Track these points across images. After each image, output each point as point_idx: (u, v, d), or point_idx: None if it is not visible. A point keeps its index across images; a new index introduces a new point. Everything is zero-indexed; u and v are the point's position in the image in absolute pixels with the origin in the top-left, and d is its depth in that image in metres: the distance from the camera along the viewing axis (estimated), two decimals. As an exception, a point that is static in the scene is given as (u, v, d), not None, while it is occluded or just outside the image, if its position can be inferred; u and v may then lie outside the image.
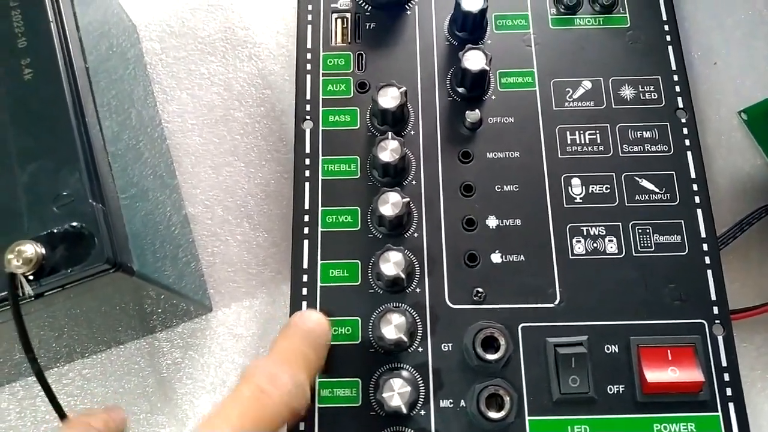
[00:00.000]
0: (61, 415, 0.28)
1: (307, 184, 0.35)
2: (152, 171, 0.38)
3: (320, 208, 0.34)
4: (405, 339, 0.30)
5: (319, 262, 0.33)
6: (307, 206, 0.34)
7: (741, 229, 0.38)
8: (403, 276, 0.31)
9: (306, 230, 0.34)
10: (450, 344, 0.32)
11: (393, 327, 0.30)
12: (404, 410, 0.29)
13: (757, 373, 0.37)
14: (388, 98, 0.33)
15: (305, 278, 0.33)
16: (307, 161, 0.35)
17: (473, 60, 0.34)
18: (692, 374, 0.30)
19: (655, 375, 0.30)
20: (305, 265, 0.33)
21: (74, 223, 0.26)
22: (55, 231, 0.26)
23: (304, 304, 0.33)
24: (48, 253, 0.26)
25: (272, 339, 0.38)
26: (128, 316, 0.37)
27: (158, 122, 0.43)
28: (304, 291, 0.33)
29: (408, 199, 0.32)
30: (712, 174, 0.40)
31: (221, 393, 0.38)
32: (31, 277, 0.26)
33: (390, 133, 0.33)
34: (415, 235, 0.34)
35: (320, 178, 0.35)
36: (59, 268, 0.26)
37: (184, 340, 0.39)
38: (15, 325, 0.26)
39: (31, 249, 0.26)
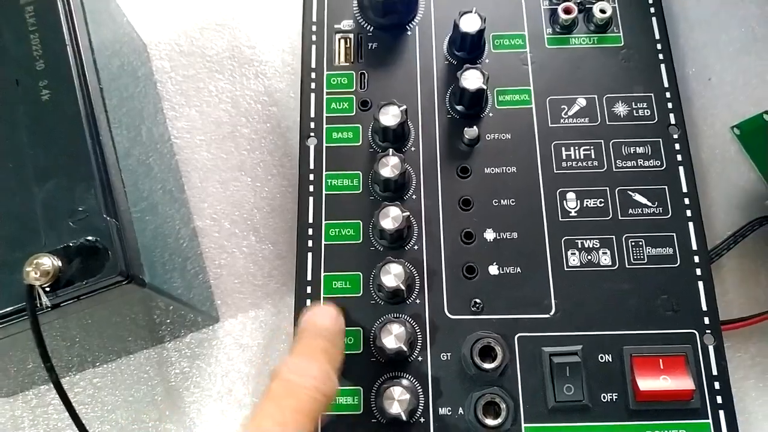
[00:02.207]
0: (79, 424, 0.29)
1: (311, 199, 0.36)
2: (162, 186, 0.39)
3: (324, 222, 0.35)
4: (405, 348, 0.31)
5: (323, 273, 0.35)
6: (311, 220, 0.36)
7: (735, 241, 0.39)
8: (403, 287, 0.32)
9: (310, 243, 0.35)
10: (449, 353, 0.33)
11: (393, 337, 0.31)
12: (404, 417, 0.30)
13: (750, 382, 0.38)
14: (389, 116, 0.34)
15: (309, 290, 0.34)
16: (311, 177, 0.36)
17: (471, 79, 0.35)
18: (683, 382, 0.31)
19: (647, 383, 0.31)
20: (309, 277, 0.35)
21: (89, 238, 0.28)
22: (71, 245, 0.28)
23: (308, 314, 0.34)
24: (64, 265, 0.27)
25: (280, 348, 0.40)
26: (138, 327, 0.38)
27: (167, 138, 0.44)
28: (308, 302, 0.34)
29: (408, 213, 0.33)
30: (706, 187, 0.41)
31: (228, 401, 0.39)
32: (47, 289, 0.27)
33: (391, 150, 0.34)
34: (415, 247, 0.35)
35: (324, 192, 0.36)
36: (75, 280, 0.27)
37: (192, 350, 0.40)
38: (33, 335, 0.27)
39: (49, 262, 0.27)
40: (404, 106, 0.35)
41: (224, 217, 0.43)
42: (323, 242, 0.35)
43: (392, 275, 0.32)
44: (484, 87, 0.35)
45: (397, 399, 0.30)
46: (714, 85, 0.44)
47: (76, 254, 0.28)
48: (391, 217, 0.33)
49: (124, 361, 0.40)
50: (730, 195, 0.42)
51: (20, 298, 0.27)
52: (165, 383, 0.40)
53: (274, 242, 0.42)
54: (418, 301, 0.34)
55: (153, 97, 0.45)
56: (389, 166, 0.34)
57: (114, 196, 0.29)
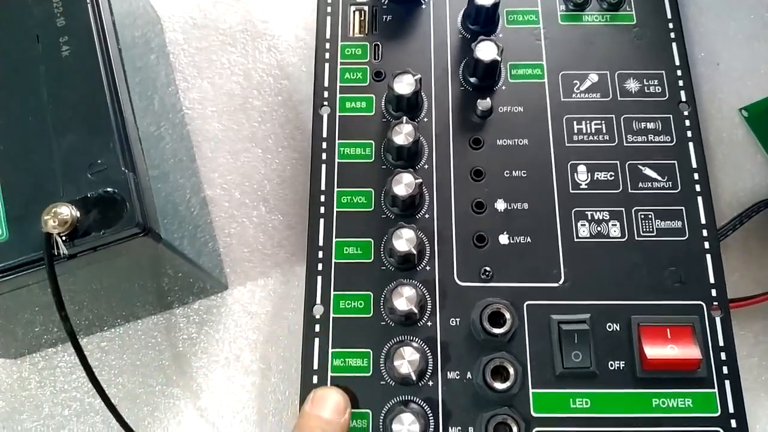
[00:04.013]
0: (91, 375, 0.30)
1: (323, 167, 0.36)
2: (173, 155, 0.40)
3: (336, 189, 0.36)
4: (416, 311, 0.31)
5: (334, 239, 0.35)
6: (323, 187, 0.36)
7: (740, 222, 0.40)
8: (414, 252, 0.32)
9: (322, 210, 0.35)
10: (458, 319, 0.33)
11: (404, 299, 0.32)
12: (414, 377, 0.31)
13: (754, 360, 0.38)
14: (404, 84, 0.35)
15: (320, 255, 0.35)
16: (324, 145, 0.37)
17: (485, 50, 0.35)
18: (690, 351, 0.31)
19: (654, 351, 0.31)
20: (321, 243, 0.35)
21: (107, 189, 0.28)
22: (89, 196, 0.28)
23: (319, 283, 0.34)
24: (82, 216, 0.28)
25: (288, 317, 0.40)
26: (147, 292, 0.39)
27: (179, 109, 0.45)
28: (319, 267, 0.34)
29: (420, 180, 0.33)
30: (712, 169, 0.42)
31: (235, 368, 0.39)
32: (65, 239, 0.27)
33: (405, 117, 0.34)
34: (426, 216, 0.35)
35: (336, 160, 0.36)
36: (92, 231, 0.28)
37: (200, 316, 0.41)
38: (49, 284, 0.27)
39: (67, 211, 0.27)
40: (419, 75, 0.35)
41: (234, 187, 0.43)
42: (335, 209, 0.35)
43: (404, 240, 0.33)
44: (498, 59, 0.35)
45: (408, 359, 0.31)
46: (722, 70, 0.44)
47: (93, 205, 0.28)
48: (404, 184, 0.33)
49: (132, 326, 0.41)
50: (736, 177, 0.42)
51: (38, 248, 0.28)
52: (172, 349, 0.40)
53: (284, 213, 0.42)
54: (428, 268, 0.34)
55: (166, 68, 0.45)
56: (403, 134, 0.34)
57: (132, 150, 0.30)
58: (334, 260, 0.35)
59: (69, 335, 0.28)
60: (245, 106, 0.45)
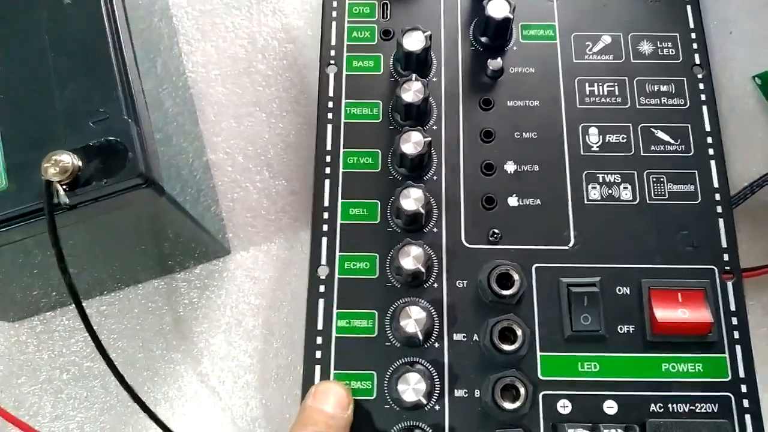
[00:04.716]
0: (90, 330, 0.29)
1: (329, 126, 0.35)
2: (175, 118, 0.39)
3: (342, 150, 0.35)
4: (422, 270, 0.31)
5: (340, 200, 0.34)
6: (329, 148, 0.35)
7: (751, 191, 0.39)
8: (422, 212, 0.32)
9: (327, 170, 0.35)
10: (465, 281, 0.32)
11: (411, 258, 0.31)
12: (420, 337, 0.30)
13: (763, 330, 0.38)
14: (414, 40, 0.34)
15: (326, 216, 0.34)
16: (330, 104, 0.36)
17: (497, 7, 0.34)
18: (701, 315, 0.31)
19: (664, 314, 0.31)
20: (326, 204, 0.34)
21: (109, 138, 0.27)
22: (91, 145, 0.27)
23: (324, 244, 0.33)
24: (84, 165, 0.27)
25: (291, 283, 0.39)
26: (147, 255, 0.38)
27: (182, 72, 0.44)
28: (325, 228, 0.34)
29: (429, 139, 0.33)
30: (724, 138, 0.41)
31: (236, 333, 0.39)
32: (66, 188, 0.27)
33: (414, 75, 0.33)
34: (434, 177, 0.34)
35: (342, 120, 0.36)
36: (93, 180, 0.27)
37: (202, 281, 0.40)
38: (49, 234, 0.27)
39: (68, 159, 0.26)
40: (429, 32, 0.34)
41: (238, 151, 0.42)
42: (341, 170, 0.35)
43: (412, 199, 0.32)
44: (510, 16, 0.34)
45: (414, 318, 0.30)
46: (734, 39, 0.44)
47: (95, 154, 0.27)
48: (412, 142, 0.33)
49: (132, 290, 0.40)
50: (747, 146, 0.41)
51: (39, 198, 0.27)
52: (173, 313, 0.39)
53: (288, 178, 0.42)
54: (435, 230, 0.33)
55: (168, 31, 0.44)
56: (412, 91, 0.33)
57: (134, 99, 0.29)
58: (339, 221, 0.34)
59: (68, 287, 0.28)
60: (249, 70, 0.44)
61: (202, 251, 0.39)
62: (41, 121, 0.28)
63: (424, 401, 0.29)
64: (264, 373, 0.38)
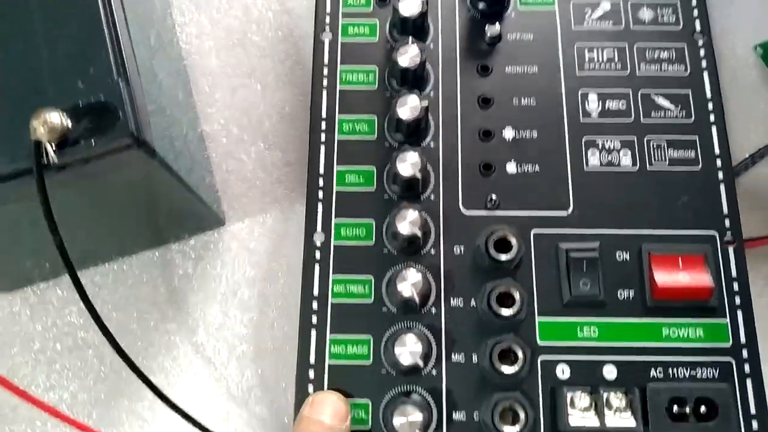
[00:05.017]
0: (83, 295, 0.29)
1: (324, 93, 0.35)
2: (169, 90, 0.38)
3: (337, 117, 0.35)
4: (419, 234, 0.30)
5: (335, 168, 0.34)
6: (324, 114, 0.35)
7: (752, 161, 0.39)
8: (419, 177, 0.31)
9: (322, 137, 0.34)
10: (462, 247, 0.32)
11: (408, 222, 0.30)
12: (417, 300, 0.30)
13: (763, 300, 0.37)
14: (410, 5, 0.33)
15: (321, 183, 0.34)
16: (326, 71, 0.35)
17: (495, -28, 0.34)
18: (702, 279, 0.30)
19: (665, 278, 0.30)
20: (321, 171, 0.34)
21: (99, 97, 0.27)
22: (80, 104, 0.27)
23: (320, 211, 0.33)
24: (73, 125, 0.26)
25: (287, 254, 0.39)
26: (141, 223, 0.38)
27: (176, 43, 0.43)
28: (320, 195, 0.33)
29: (427, 103, 0.32)
30: (726, 110, 0.40)
31: (232, 303, 0.38)
32: (55, 149, 0.26)
33: (410, 38, 0.33)
34: (432, 144, 0.34)
35: (338, 87, 0.35)
36: (82, 139, 0.26)
37: (197, 252, 0.39)
38: (38, 194, 0.26)
39: (57, 118, 0.26)
40: (426, -5, 0.34)
41: (232, 122, 0.42)
42: (336, 137, 0.34)
43: (408, 164, 0.31)
44: (509, -19, 0.34)
45: (411, 282, 0.30)
46: (737, 8, 0.43)
47: (85, 114, 0.27)
48: (409, 106, 0.32)
49: (127, 260, 0.39)
50: (748, 118, 0.41)
51: (27, 158, 0.26)
52: (168, 284, 0.39)
53: (284, 149, 0.41)
54: (432, 196, 0.33)
55: (162, 2, 0.43)
56: (408, 55, 0.33)
57: (125, 59, 0.28)
58: (335, 188, 0.33)
59: (58, 249, 0.27)
60: (244, 42, 0.43)
61: (196, 222, 0.39)
62: (29, 80, 0.27)
63: (421, 364, 0.29)
64: (260, 343, 0.38)
